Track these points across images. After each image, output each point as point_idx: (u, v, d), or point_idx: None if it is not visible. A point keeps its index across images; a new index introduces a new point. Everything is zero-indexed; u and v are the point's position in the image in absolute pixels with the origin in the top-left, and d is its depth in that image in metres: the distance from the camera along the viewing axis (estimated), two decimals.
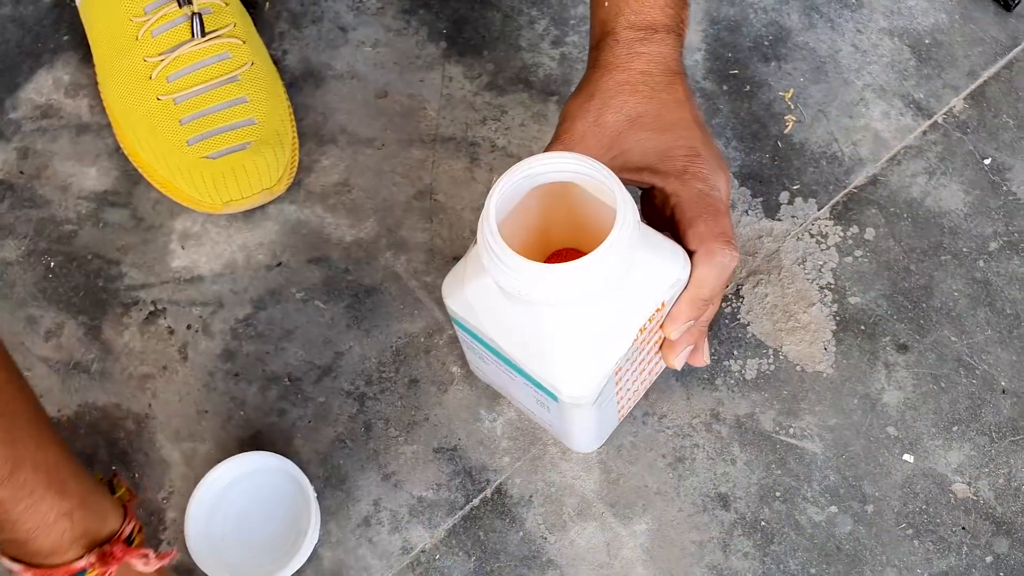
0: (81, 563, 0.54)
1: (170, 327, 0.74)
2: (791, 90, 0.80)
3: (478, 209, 0.76)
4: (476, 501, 0.68)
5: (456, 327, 0.61)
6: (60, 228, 0.77)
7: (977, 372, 0.70)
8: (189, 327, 0.74)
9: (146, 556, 0.56)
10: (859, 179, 0.77)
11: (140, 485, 0.69)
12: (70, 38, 0.83)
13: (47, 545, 0.53)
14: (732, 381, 0.71)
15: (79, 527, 0.54)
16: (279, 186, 0.75)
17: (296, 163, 0.77)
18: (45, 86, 0.82)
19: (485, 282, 0.55)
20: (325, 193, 0.78)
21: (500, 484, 0.68)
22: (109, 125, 0.80)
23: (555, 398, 0.57)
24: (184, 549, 0.67)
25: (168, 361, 0.73)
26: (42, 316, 0.75)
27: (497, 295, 0.54)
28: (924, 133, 0.78)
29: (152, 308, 0.75)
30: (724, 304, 0.73)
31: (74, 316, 0.75)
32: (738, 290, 0.73)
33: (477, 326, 0.57)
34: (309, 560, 0.66)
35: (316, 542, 0.66)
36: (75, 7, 0.82)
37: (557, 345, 0.54)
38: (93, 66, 0.80)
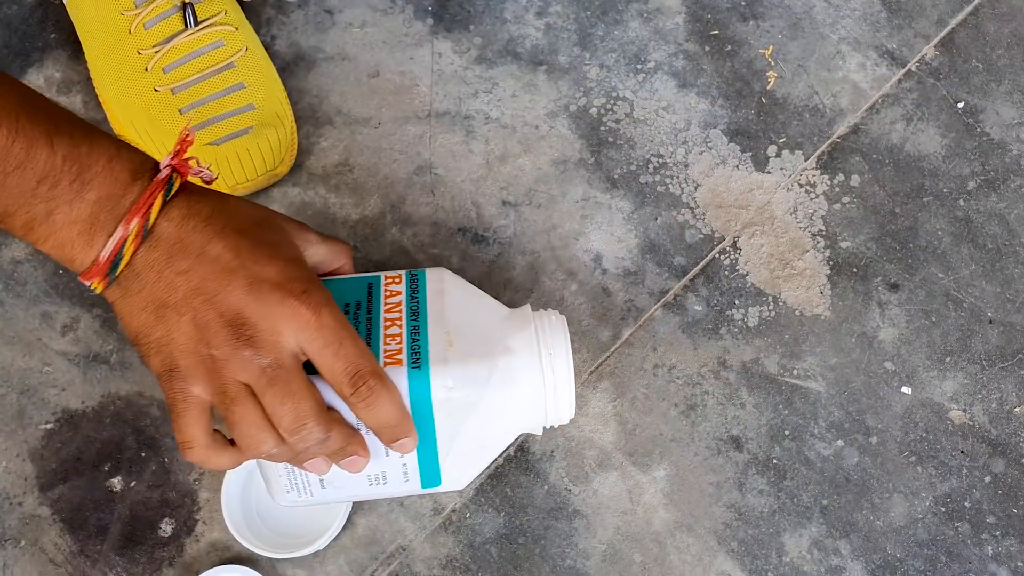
0: (163, 173, 0.49)
1: None
2: (770, 47, 0.83)
3: (477, 180, 0.79)
4: (500, 460, 0.71)
5: None
6: None
7: (965, 305, 0.74)
8: None
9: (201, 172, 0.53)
10: (841, 129, 0.80)
11: (170, 469, 0.71)
12: (57, 35, 0.84)
13: (111, 182, 0.49)
14: (736, 329, 0.74)
15: (131, 157, 0.50)
16: (282, 167, 0.77)
17: (296, 144, 0.79)
18: (36, 85, 0.82)
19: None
20: (327, 174, 0.79)
21: (522, 442, 0.71)
22: (106, 119, 0.80)
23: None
24: (222, 527, 0.68)
25: None
26: (57, 311, 0.76)
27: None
28: (899, 81, 0.81)
29: None
30: (723, 256, 0.76)
31: (88, 309, 0.76)
32: (735, 242, 0.76)
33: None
34: (344, 528, 0.69)
35: (350, 510, 0.68)
36: (60, 4, 0.82)
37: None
38: (84, 62, 0.81)
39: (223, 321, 0.48)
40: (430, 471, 0.57)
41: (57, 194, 0.47)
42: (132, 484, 0.71)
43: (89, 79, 0.81)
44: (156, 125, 0.76)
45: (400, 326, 0.55)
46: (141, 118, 0.76)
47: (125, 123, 0.77)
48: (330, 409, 0.52)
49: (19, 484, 0.71)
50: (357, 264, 0.76)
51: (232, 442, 0.52)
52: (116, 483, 0.71)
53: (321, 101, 0.81)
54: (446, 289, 0.59)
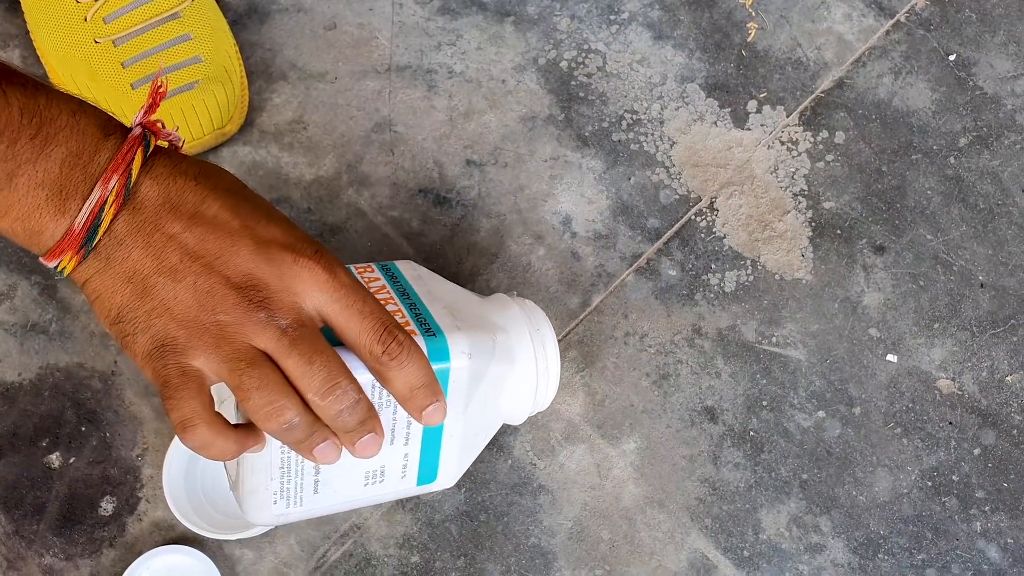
0: (136, 130, 0.44)
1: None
2: None
3: (440, 138, 0.74)
4: None
5: None
6: None
7: (954, 268, 0.70)
8: None
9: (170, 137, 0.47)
10: (825, 83, 0.75)
11: (112, 444, 0.67)
12: None
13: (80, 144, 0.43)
14: (711, 295, 0.70)
15: (95, 116, 0.44)
16: (231, 125, 0.72)
17: (247, 101, 0.74)
18: None
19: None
20: (279, 132, 0.75)
21: None
22: (46, 75, 0.75)
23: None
24: (166, 505, 0.65)
25: None
26: None
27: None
28: (887, 33, 0.77)
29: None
30: (699, 218, 0.72)
31: (26, 276, 0.72)
32: (712, 203, 0.72)
33: None
34: None
35: None
36: None
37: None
38: (21, 14, 0.76)
39: (230, 285, 0.43)
40: (430, 462, 0.53)
41: (17, 152, 0.41)
42: (71, 460, 0.67)
43: (27, 32, 0.76)
44: (97, 79, 0.71)
45: (396, 304, 0.52)
46: (81, 72, 0.72)
47: (65, 77, 0.73)
48: None
49: None
50: (311, 228, 0.72)
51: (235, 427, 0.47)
52: (54, 459, 0.67)
53: (274, 55, 0.77)
54: (423, 276, 0.56)
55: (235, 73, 0.73)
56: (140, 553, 0.63)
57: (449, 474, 0.54)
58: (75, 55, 0.72)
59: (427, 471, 0.53)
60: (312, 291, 0.44)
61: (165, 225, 0.43)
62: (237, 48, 0.75)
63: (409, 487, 0.54)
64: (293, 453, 0.48)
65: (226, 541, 0.64)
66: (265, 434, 0.46)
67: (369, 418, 0.46)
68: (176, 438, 0.64)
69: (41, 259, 0.43)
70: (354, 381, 0.45)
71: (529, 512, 0.65)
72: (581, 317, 0.69)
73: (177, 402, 0.43)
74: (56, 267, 0.43)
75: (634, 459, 0.66)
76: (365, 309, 0.45)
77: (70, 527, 0.65)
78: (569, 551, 0.64)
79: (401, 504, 0.65)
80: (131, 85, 0.70)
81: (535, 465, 0.66)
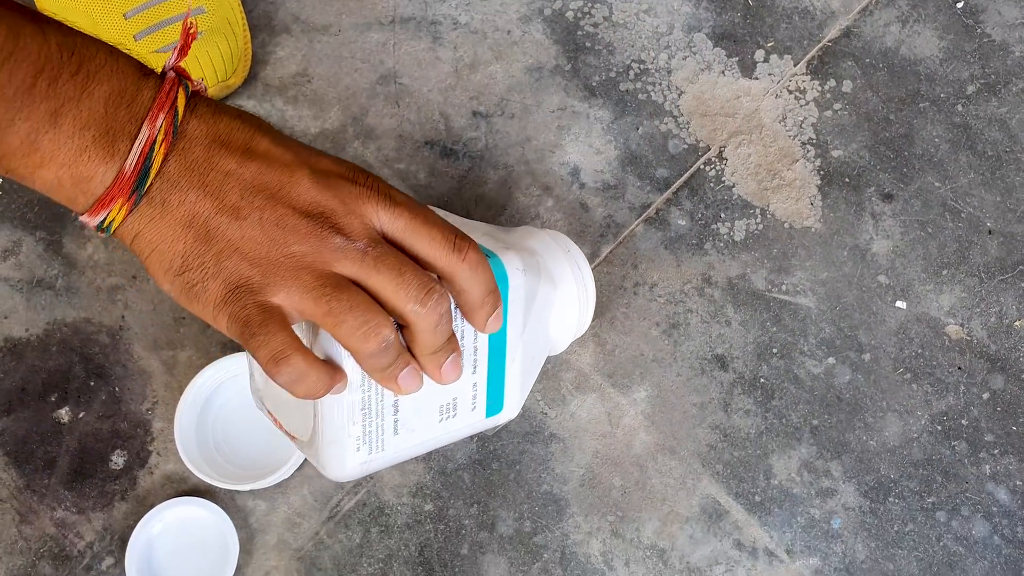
0: (171, 73, 0.42)
1: None
2: None
3: (445, 90, 0.74)
4: None
5: None
6: None
7: (963, 215, 0.70)
8: None
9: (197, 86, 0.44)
10: (833, 32, 0.75)
11: (121, 398, 0.67)
12: None
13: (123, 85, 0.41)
14: (721, 244, 0.70)
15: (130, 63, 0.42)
16: (235, 79, 0.72)
17: (250, 54, 0.73)
18: None
19: None
20: (284, 85, 0.74)
21: None
22: None
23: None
24: (177, 458, 0.64)
25: (137, 270, 0.70)
26: None
27: None
28: None
29: None
30: (708, 167, 0.71)
31: (31, 232, 0.71)
32: (721, 152, 0.72)
33: None
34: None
35: None
36: None
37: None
38: None
39: (298, 214, 0.42)
40: (496, 390, 0.53)
41: (59, 90, 0.39)
42: (81, 415, 0.67)
43: None
44: (99, 30, 0.70)
45: None
46: (83, 23, 0.71)
47: None
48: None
49: None
50: None
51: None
52: (64, 414, 0.67)
53: (277, 8, 0.76)
54: (448, 215, 0.56)
55: (238, 25, 0.72)
56: (152, 506, 0.63)
57: (513, 403, 0.54)
58: (77, 7, 0.71)
59: (494, 401, 0.53)
60: (377, 212, 0.43)
61: (219, 163, 0.41)
62: (240, 0, 0.74)
63: (479, 419, 0.53)
64: (373, 392, 0.47)
65: (239, 492, 0.64)
66: (347, 373, 0.45)
67: (453, 336, 0.46)
68: (185, 393, 0.64)
69: (85, 216, 0.41)
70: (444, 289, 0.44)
71: (541, 460, 0.65)
72: (591, 268, 0.69)
73: (265, 337, 0.41)
74: (103, 221, 0.41)
75: (645, 407, 0.66)
76: (430, 220, 0.44)
77: (81, 481, 0.65)
78: (581, 498, 0.64)
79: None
80: (133, 36, 0.70)
81: (546, 414, 0.66)
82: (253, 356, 0.41)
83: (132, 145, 0.40)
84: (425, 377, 0.46)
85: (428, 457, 0.65)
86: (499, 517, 0.64)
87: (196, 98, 0.43)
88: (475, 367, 0.51)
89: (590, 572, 0.62)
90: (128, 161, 0.40)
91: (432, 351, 0.45)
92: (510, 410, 0.54)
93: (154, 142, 0.40)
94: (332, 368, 0.43)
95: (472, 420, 0.53)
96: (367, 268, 0.42)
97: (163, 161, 0.41)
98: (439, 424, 0.51)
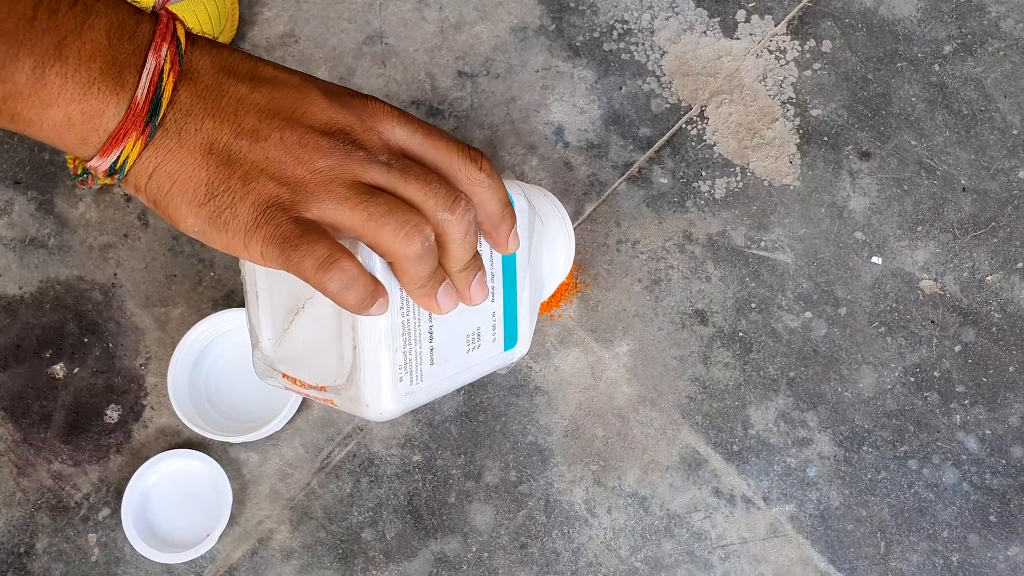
0: (163, 13, 0.42)
1: (126, 195, 0.72)
2: None
3: (431, 50, 0.74)
4: None
5: None
6: None
7: (938, 173, 0.72)
8: None
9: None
10: None
11: (115, 354, 0.68)
12: None
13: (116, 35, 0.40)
14: (702, 201, 0.71)
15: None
16: (222, 39, 0.72)
17: (237, 14, 0.74)
18: None
19: None
20: (271, 45, 0.75)
21: None
22: None
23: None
24: (171, 412, 0.66)
25: (128, 229, 0.71)
26: None
27: None
28: None
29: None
30: (689, 126, 0.73)
31: (23, 192, 0.72)
32: (703, 111, 0.73)
33: None
34: (300, 410, 0.66)
35: None
36: None
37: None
38: None
39: (317, 133, 0.41)
40: (511, 321, 0.54)
41: (60, 22, 0.38)
42: (75, 371, 0.68)
43: None
44: None
45: None
46: None
47: None
48: None
49: None
50: None
51: None
52: (58, 370, 0.68)
53: None
54: None
55: None
56: (147, 458, 0.65)
57: (525, 336, 0.55)
58: None
59: (510, 332, 0.54)
60: (393, 128, 0.43)
61: (229, 90, 0.41)
62: None
63: (498, 352, 0.54)
64: (411, 316, 0.47)
65: (231, 444, 0.66)
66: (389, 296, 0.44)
67: (478, 254, 0.46)
68: (178, 348, 0.65)
69: (95, 159, 0.40)
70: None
71: (526, 412, 0.66)
72: (574, 226, 0.70)
73: (309, 247, 0.39)
74: (117, 160, 0.40)
75: (627, 361, 0.68)
76: (444, 135, 0.44)
77: (77, 435, 0.67)
78: (565, 448, 0.66)
79: None
80: None
81: (531, 368, 0.68)
82: (296, 271, 0.40)
83: (140, 76, 0.39)
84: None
85: (416, 409, 0.67)
86: (485, 467, 0.65)
87: (192, 35, 0.43)
88: (492, 295, 0.51)
89: (573, 519, 0.64)
90: (139, 91, 0.39)
91: (462, 265, 0.45)
92: (523, 344, 0.55)
93: (162, 71, 0.40)
94: (377, 281, 0.42)
95: (493, 352, 0.53)
96: (394, 178, 0.41)
97: (173, 91, 0.40)
98: (466, 355, 0.52)
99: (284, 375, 0.51)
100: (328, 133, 0.41)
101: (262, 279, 0.49)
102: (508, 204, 0.46)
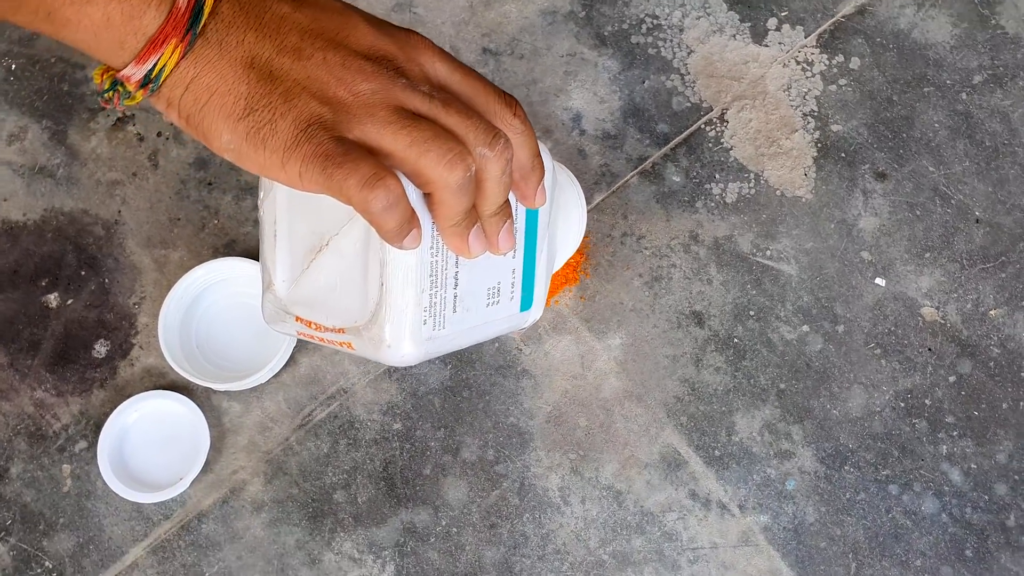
0: None
1: (139, 134, 0.72)
2: None
3: (458, 24, 0.74)
4: None
5: None
6: (19, 29, 0.74)
7: (953, 202, 0.71)
8: (159, 134, 0.72)
9: None
10: (847, 8, 0.75)
11: (110, 290, 0.68)
12: None
13: None
14: (712, 204, 0.71)
15: None
16: None
17: None
18: None
19: None
20: None
21: None
22: None
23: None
24: (159, 353, 0.66)
25: (138, 168, 0.71)
26: (4, 119, 0.72)
27: None
28: None
29: (120, 115, 0.72)
30: (708, 128, 0.72)
31: (38, 120, 0.72)
32: (723, 114, 0.72)
33: None
34: (286, 365, 0.66)
35: (293, 347, 0.66)
36: None
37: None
38: None
39: (360, 56, 0.40)
40: (528, 282, 0.53)
41: None
42: (69, 302, 0.68)
43: None
44: None
45: None
46: None
47: None
48: None
49: None
50: None
51: None
52: (52, 300, 0.68)
53: None
54: None
55: None
56: (130, 396, 0.65)
57: (539, 301, 0.54)
58: None
59: (527, 294, 0.53)
60: (434, 63, 0.42)
61: (272, 6, 0.40)
62: None
63: (514, 311, 0.53)
64: (440, 258, 0.46)
65: (215, 392, 0.66)
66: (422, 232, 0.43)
67: (508, 202, 0.45)
68: (176, 286, 0.65)
69: (130, 67, 0.39)
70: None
71: (511, 394, 0.66)
72: None
73: (353, 165, 0.38)
74: (153, 68, 0.38)
75: (618, 354, 0.67)
76: (483, 78, 0.44)
77: (63, 365, 0.67)
78: (546, 433, 0.65)
79: (387, 373, 0.67)
80: None
81: (521, 350, 0.67)
82: (338, 190, 0.39)
83: None
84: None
85: (401, 378, 0.66)
86: (464, 443, 0.65)
87: None
88: (515, 251, 0.50)
89: (546, 504, 0.64)
90: None
91: (495, 208, 0.44)
92: (537, 308, 0.54)
93: None
94: (414, 211, 0.41)
95: (510, 311, 0.52)
96: (436, 108, 0.40)
97: (215, 1, 0.39)
98: (486, 308, 0.51)
99: (298, 318, 0.50)
100: (371, 58, 0.41)
101: (283, 217, 0.49)
102: (539, 156, 0.45)
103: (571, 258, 0.68)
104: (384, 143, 0.40)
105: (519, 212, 0.50)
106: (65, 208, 0.70)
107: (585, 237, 0.67)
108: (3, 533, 0.64)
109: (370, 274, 0.45)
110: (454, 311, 0.49)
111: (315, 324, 0.49)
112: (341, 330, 0.48)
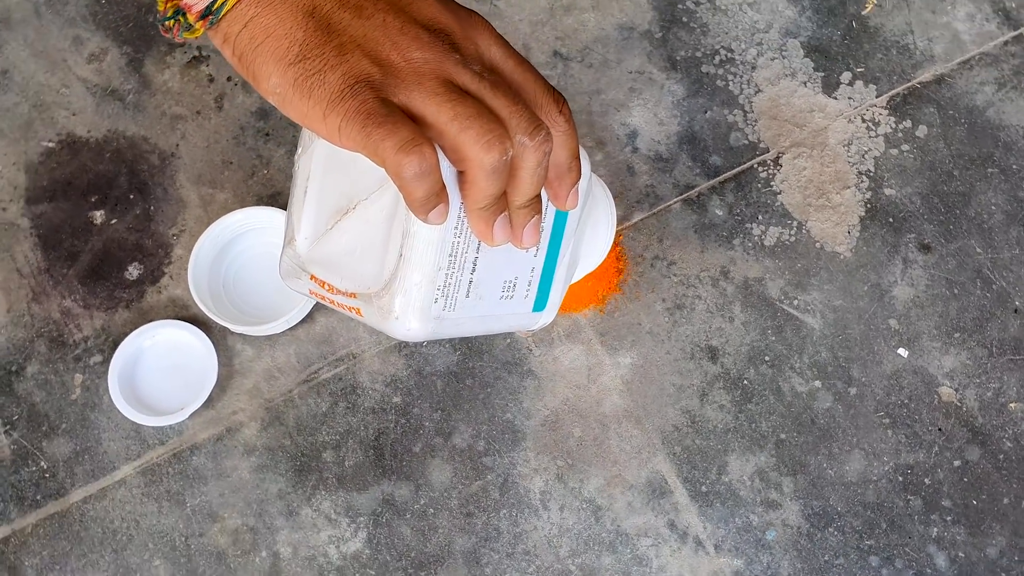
0: None
1: (211, 75, 0.74)
2: None
3: (535, 24, 0.75)
4: None
5: None
6: None
7: (994, 287, 0.70)
8: (230, 79, 0.74)
9: None
10: (925, 75, 0.74)
11: (153, 217, 0.71)
12: None
13: None
14: (750, 244, 0.70)
15: None
16: None
17: None
18: None
19: None
20: None
21: None
22: None
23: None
24: (186, 287, 0.68)
25: (203, 107, 0.73)
26: (89, 39, 0.75)
27: None
28: (1006, 44, 0.75)
29: (197, 53, 0.75)
30: (761, 168, 0.72)
31: (119, 45, 0.75)
32: (778, 158, 0.72)
33: None
34: (303, 320, 0.68)
35: (313, 304, 0.67)
36: None
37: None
38: None
39: (419, 24, 0.41)
40: (545, 284, 0.53)
41: None
42: (113, 221, 0.71)
43: None
44: None
45: None
46: None
47: None
48: None
49: (7, 191, 0.71)
50: None
51: None
52: (98, 216, 0.71)
53: None
54: None
55: None
56: (151, 321, 0.67)
57: (553, 304, 0.54)
58: None
59: (542, 295, 0.53)
60: (490, 46, 0.43)
61: None
62: None
63: (527, 311, 0.53)
64: (462, 239, 0.46)
65: (231, 332, 0.68)
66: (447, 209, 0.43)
67: (539, 197, 0.45)
68: (215, 224, 0.67)
69: None
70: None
71: (512, 391, 0.67)
72: (618, 229, 0.70)
73: (393, 126, 0.38)
74: (215, 1, 0.39)
75: (626, 372, 0.67)
76: (536, 70, 0.44)
77: (95, 280, 0.69)
78: (539, 436, 0.66)
79: (397, 347, 0.68)
80: None
81: (531, 351, 0.68)
82: (374, 150, 0.39)
83: None
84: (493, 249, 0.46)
85: (410, 355, 0.67)
86: (457, 429, 0.66)
87: None
88: (537, 250, 0.51)
89: (525, 505, 0.65)
90: None
91: (525, 200, 0.43)
92: (549, 312, 0.54)
93: None
94: (444, 187, 0.41)
95: (522, 308, 0.53)
96: (484, 88, 0.41)
97: None
98: (499, 301, 0.51)
99: (312, 277, 0.50)
100: (429, 29, 0.41)
101: (317, 175, 0.49)
102: (578, 158, 0.45)
103: (612, 277, 0.69)
104: (427, 113, 0.40)
105: (548, 212, 0.50)
106: (127, 132, 0.73)
107: (623, 261, 0.68)
108: (8, 427, 0.66)
109: (391, 244, 0.46)
110: (467, 296, 0.49)
111: (329, 285, 0.50)
112: (353, 295, 0.48)
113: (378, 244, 0.47)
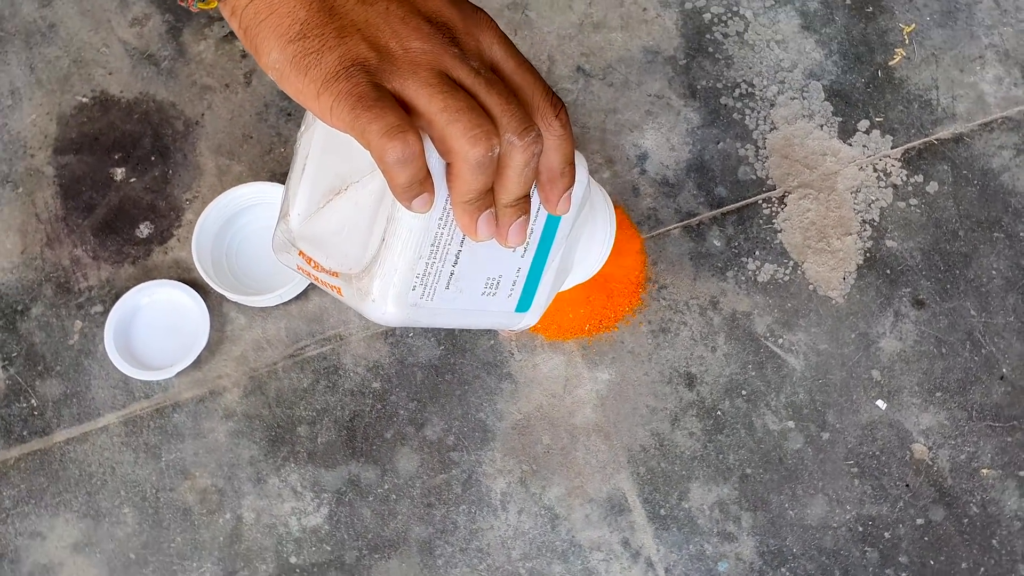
0: None
1: (244, 52, 0.77)
2: (912, 25, 0.77)
3: (563, 37, 0.76)
4: None
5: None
6: None
7: (983, 351, 0.69)
8: None
9: None
10: (944, 132, 0.74)
11: (170, 181, 0.73)
12: None
13: None
14: (743, 278, 0.71)
15: None
16: None
17: None
18: None
19: None
20: None
21: None
22: None
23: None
24: (189, 250, 0.71)
25: (232, 81, 0.76)
26: (135, 3, 0.78)
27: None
28: None
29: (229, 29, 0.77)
30: (765, 205, 0.73)
31: (162, 12, 0.78)
32: (784, 196, 0.73)
33: None
34: (298, 297, 0.70)
35: (308, 282, 0.69)
36: None
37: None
38: None
39: (421, 16, 0.41)
40: (531, 286, 0.54)
41: None
42: (132, 180, 0.73)
43: None
44: None
45: None
46: None
47: None
48: None
49: (38, 139, 0.74)
50: None
51: None
52: (118, 173, 0.74)
53: None
54: None
55: None
56: (153, 279, 0.70)
57: (538, 307, 0.54)
58: None
59: (527, 296, 0.54)
60: (492, 44, 0.43)
61: None
62: None
63: (509, 310, 0.53)
64: (446, 230, 0.47)
65: (227, 300, 0.70)
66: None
67: (528, 196, 0.45)
68: (225, 194, 0.70)
69: None
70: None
71: (489, 391, 0.68)
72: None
73: (380, 111, 0.39)
74: None
75: (602, 388, 0.68)
76: (537, 73, 0.44)
77: (107, 233, 0.72)
78: (508, 438, 0.67)
79: (384, 335, 0.69)
80: None
81: (512, 355, 0.69)
82: (361, 133, 0.39)
83: None
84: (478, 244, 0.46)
85: (396, 343, 0.69)
86: (430, 421, 0.68)
87: None
88: (525, 250, 0.51)
89: (485, 504, 0.66)
90: None
91: (511, 199, 0.44)
92: (533, 314, 0.55)
93: None
94: (430, 176, 0.42)
95: (504, 307, 0.53)
96: (479, 84, 0.41)
97: None
98: (480, 296, 0.51)
99: (301, 253, 0.51)
100: (431, 21, 0.42)
101: (315, 154, 0.51)
102: (572, 164, 0.45)
103: (630, 303, 0.69)
104: (419, 102, 0.40)
105: (540, 214, 0.51)
106: (158, 97, 0.75)
107: (642, 289, 0.68)
108: (6, 362, 0.69)
109: (375, 227, 0.47)
110: (447, 287, 0.49)
111: (315, 263, 0.51)
112: (335, 274, 0.49)
113: (364, 227, 0.48)
